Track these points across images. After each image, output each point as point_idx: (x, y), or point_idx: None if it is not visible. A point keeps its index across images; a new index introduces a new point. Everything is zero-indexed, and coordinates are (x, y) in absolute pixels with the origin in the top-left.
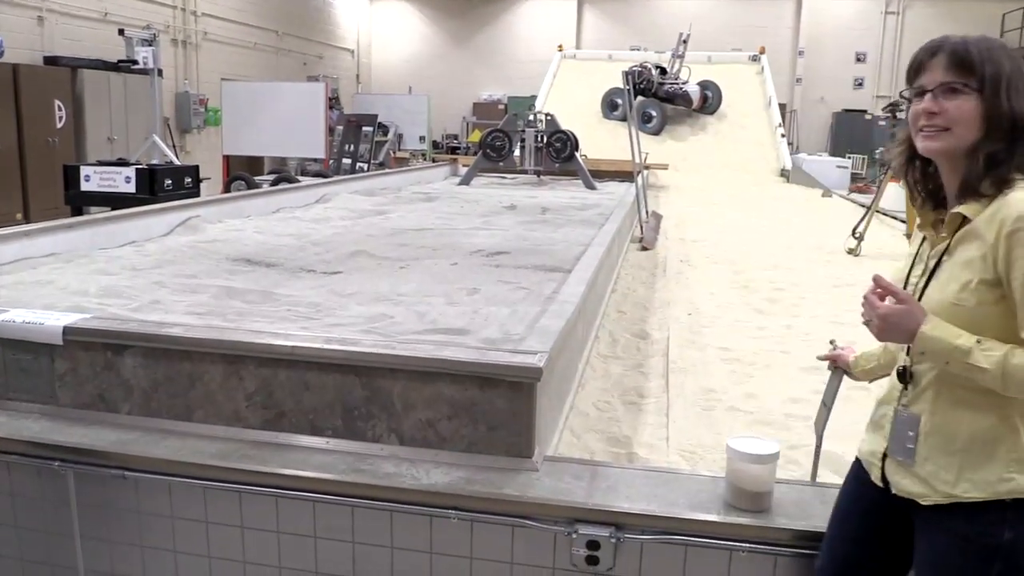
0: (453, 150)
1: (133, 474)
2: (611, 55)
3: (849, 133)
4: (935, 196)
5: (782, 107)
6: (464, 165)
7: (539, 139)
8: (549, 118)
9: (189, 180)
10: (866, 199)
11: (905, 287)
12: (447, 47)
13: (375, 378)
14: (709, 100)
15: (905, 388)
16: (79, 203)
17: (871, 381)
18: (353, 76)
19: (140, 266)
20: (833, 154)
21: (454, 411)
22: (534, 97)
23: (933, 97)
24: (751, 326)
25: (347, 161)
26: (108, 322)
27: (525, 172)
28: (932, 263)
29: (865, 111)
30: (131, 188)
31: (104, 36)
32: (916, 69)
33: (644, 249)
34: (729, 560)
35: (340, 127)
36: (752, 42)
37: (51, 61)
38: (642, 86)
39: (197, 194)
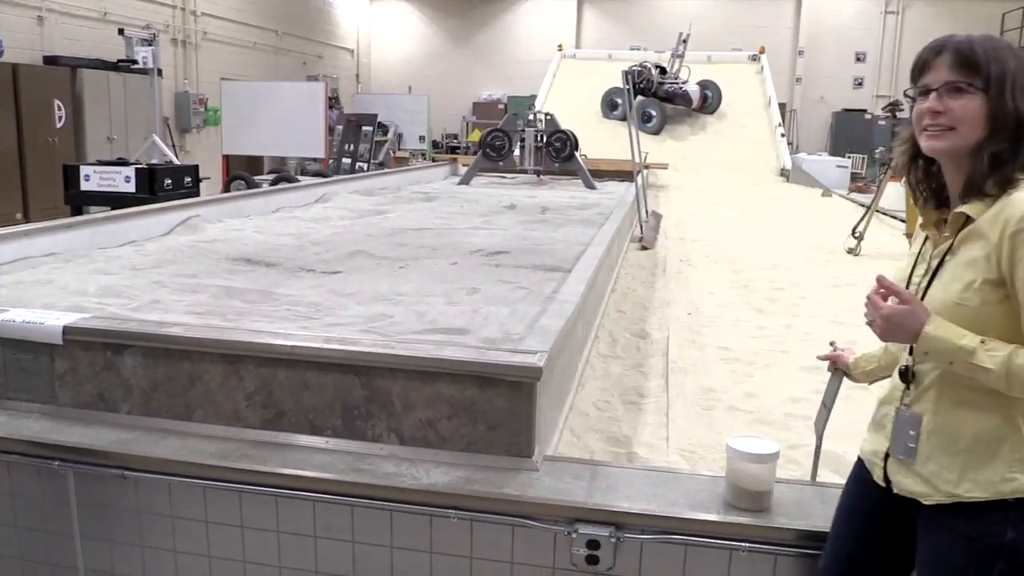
0: (453, 150)
1: (133, 474)
2: (611, 55)
3: (849, 133)
4: (938, 195)
5: (782, 107)
6: (464, 165)
7: (539, 139)
8: (549, 118)
9: (189, 180)
10: (866, 199)
11: (907, 287)
12: (447, 47)
13: (375, 378)
14: (709, 100)
15: (907, 388)
16: (79, 203)
17: (871, 383)
18: (353, 76)
19: (140, 266)
20: (833, 154)
21: (454, 411)
22: (534, 97)
23: (938, 96)
24: (751, 326)
25: (347, 161)
26: (108, 322)
27: (525, 172)
28: (935, 263)
29: (865, 111)
30: (131, 188)
31: (104, 36)
32: (920, 68)
33: (644, 249)
34: (729, 560)
35: (340, 127)
36: (752, 42)
37: (51, 61)
38: (642, 86)
39: (197, 194)
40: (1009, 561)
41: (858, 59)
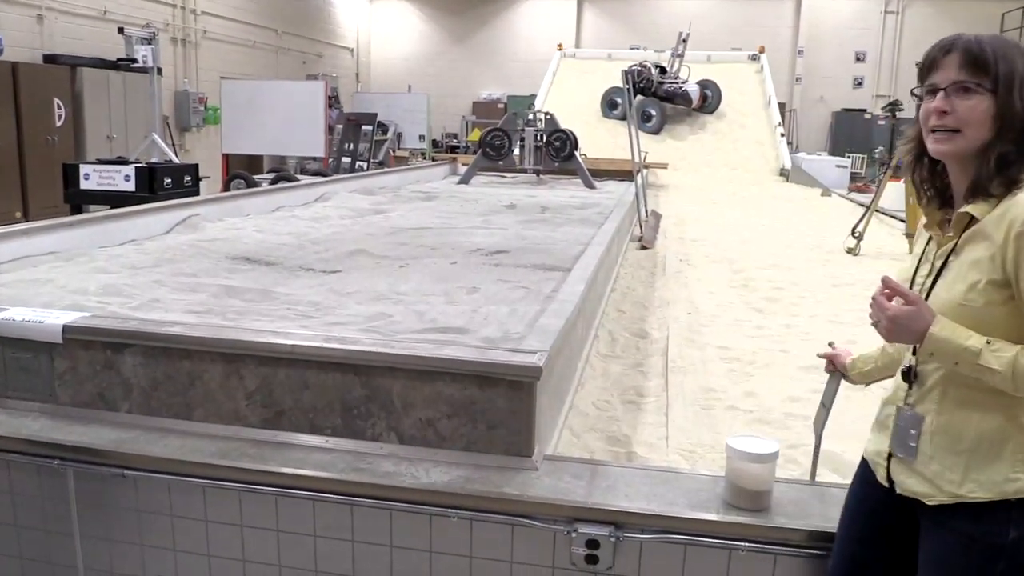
0: (452, 149)
1: (133, 473)
2: (611, 54)
3: (848, 132)
4: (942, 194)
5: (781, 106)
6: (463, 164)
7: (539, 138)
8: (548, 117)
9: (188, 179)
10: (865, 198)
11: (911, 287)
12: (447, 46)
13: (374, 377)
14: (709, 99)
15: (910, 388)
16: (78, 201)
17: (867, 384)
18: (353, 75)
19: (139, 265)
20: (832, 153)
21: (453, 410)
22: (534, 96)
23: (945, 96)
24: (750, 325)
25: (346, 160)
26: (108, 321)
27: (524, 171)
28: (939, 263)
29: (864, 110)
30: (130, 187)
31: (103, 34)
32: (929, 66)
33: (643, 248)
34: (728, 559)
35: (339, 126)
36: (752, 41)
37: (50, 59)
38: (642, 85)
39: (196, 193)
40: (1010, 560)
41: (858, 59)
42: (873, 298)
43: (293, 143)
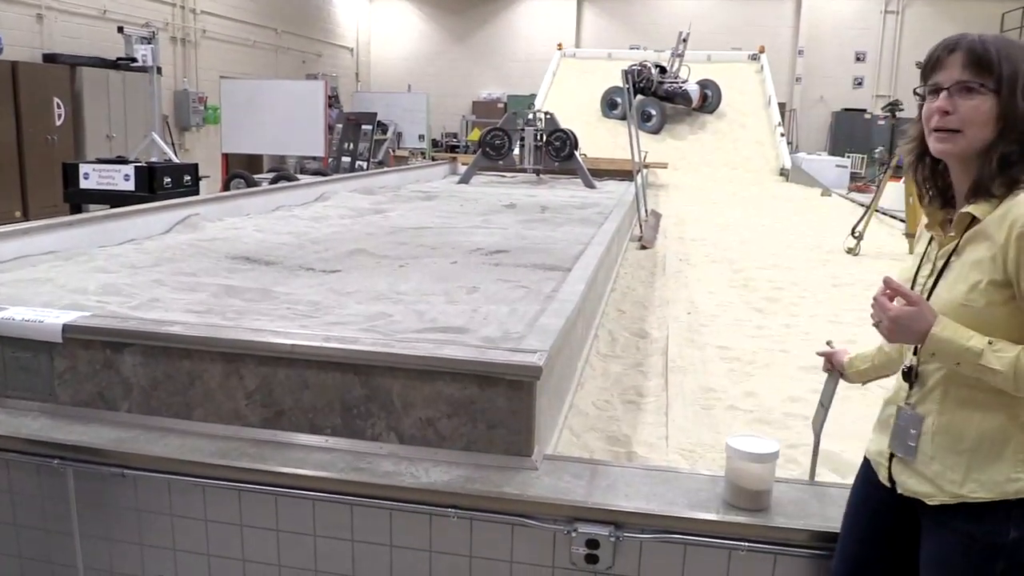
0: (452, 148)
1: (132, 472)
2: (611, 54)
3: (848, 132)
4: (944, 194)
5: (781, 106)
6: (463, 164)
7: (538, 138)
8: (548, 117)
9: (188, 178)
10: (865, 198)
11: (912, 287)
12: (446, 45)
13: (374, 376)
14: (709, 99)
15: (911, 388)
16: (78, 201)
17: (864, 383)
18: (352, 74)
19: (139, 264)
20: (832, 153)
21: (453, 410)
22: (534, 96)
23: (948, 95)
24: (750, 325)
25: (346, 159)
26: (107, 320)
27: (524, 171)
28: (940, 263)
29: (864, 110)
30: (130, 186)
31: (103, 34)
32: (932, 65)
33: (643, 248)
34: (728, 559)
35: (339, 125)
36: (752, 41)
37: (50, 58)
38: (642, 85)
39: (196, 192)
40: (1010, 560)
41: (858, 59)
42: (875, 298)
43: (293, 142)
